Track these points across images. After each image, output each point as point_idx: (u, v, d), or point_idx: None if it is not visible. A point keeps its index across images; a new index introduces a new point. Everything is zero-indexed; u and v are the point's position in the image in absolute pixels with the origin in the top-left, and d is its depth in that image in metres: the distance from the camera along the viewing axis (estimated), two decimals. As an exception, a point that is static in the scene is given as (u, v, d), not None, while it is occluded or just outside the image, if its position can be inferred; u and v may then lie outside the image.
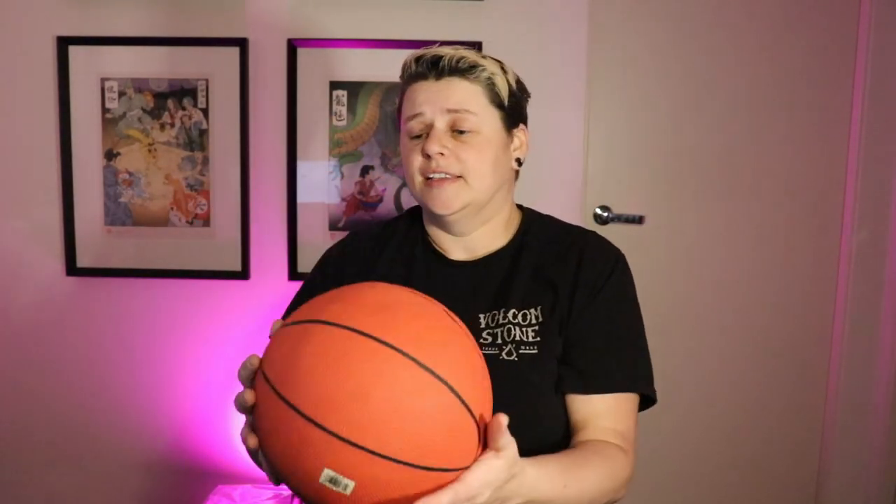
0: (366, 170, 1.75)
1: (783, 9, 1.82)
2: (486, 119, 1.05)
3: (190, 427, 1.82)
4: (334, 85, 1.74)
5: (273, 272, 1.78)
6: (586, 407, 1.02)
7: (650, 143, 1.85)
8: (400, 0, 1.71)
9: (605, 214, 1.85)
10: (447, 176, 1.04)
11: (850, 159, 1.85)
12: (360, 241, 1.18)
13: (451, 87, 1.04)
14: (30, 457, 1.84)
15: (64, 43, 1.72)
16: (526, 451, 0.95)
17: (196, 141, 1.75)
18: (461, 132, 1.04)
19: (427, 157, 1.04)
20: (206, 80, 1.73)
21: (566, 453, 0.97)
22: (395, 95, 1.72)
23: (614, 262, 1.08)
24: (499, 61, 1.09)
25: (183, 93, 1.74)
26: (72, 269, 1.78)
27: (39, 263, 1.79)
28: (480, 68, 1.05)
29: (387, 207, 1.76)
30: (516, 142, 1.11)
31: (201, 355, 1.80)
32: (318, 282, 1.16)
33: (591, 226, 1.85)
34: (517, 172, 1.14)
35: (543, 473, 0.87)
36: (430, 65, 1.05)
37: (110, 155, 1.76)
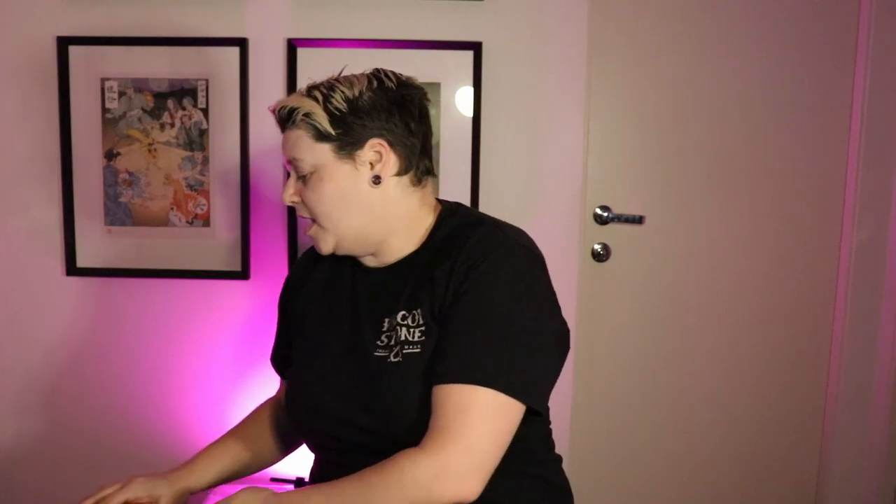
0: (366, 170, 1.75)
1: (783, 8, 1.82)
2: (316, 157, 1.06)
3: (190, 427, 1.82)
4: (334, 85, 1.73)
5: (273, 272, 1.78)
6: (433, 400, 0.99)
7: (650, 143, 1.85)
8: (400, 0, 1.71)
9: (605, 214, 1.85)
10: (308, 226, 1.12)
11: (851, 159, 1.85)
12: (303, 259, 1.27)
13: (287, 137, 1.09)
14: (29, 456, 1.84)
15: (64, 43, 1.72)
16: (406, 445, 0.99)
17: (196, 141, 1.75)
18: (303, 178, 1.08)
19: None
20: (206, 80, 1.73)
21: (339, 481, 0.98)
22: (395, 95, 1.73)
23: (486, 255, 1.01)
24: (328, 91, 1.06)
25: (183, 93, 1.74)
26: (72, 269, 1.78)
27: (39, 263, 1.79)
28: (297, 110, 1.05)
29: (387, 207, 1.76)
30: (365, 161, 1.06)
31: (201, 355, 1.80)
32: (280, 308, 1.29)
33: (591, 226, 1.85)
34: (422, 178, 1.10)
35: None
36: (277, 118, 1.10)
37: (110, 155, 1.76)
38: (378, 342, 1.07)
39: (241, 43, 1.72)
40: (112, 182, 1.76)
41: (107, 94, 1.74)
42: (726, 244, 1.87)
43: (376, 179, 1.06)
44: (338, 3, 1.73)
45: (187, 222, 1.77)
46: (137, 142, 1.75)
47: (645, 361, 1.90)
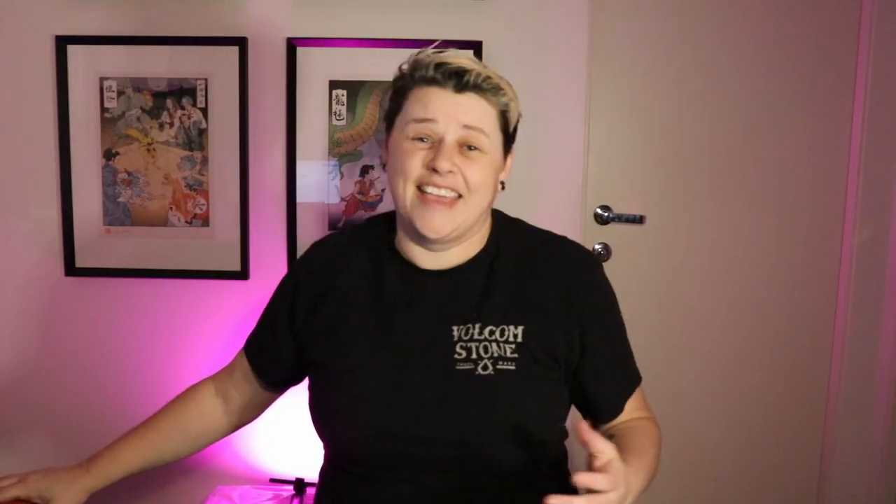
0: (365, 170, 1.75)
1: (784, 9, 1.82)
2: (494, 142, 1.05)
3: (189, 427, 1.82)
4: (334, 84, 1.73)
5: (273, 272, 1.77)
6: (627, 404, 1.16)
7: (650, 143, 1.85)
8: (400, 0, 1.71)
9: (605, 214, 1.85)
10: (447, 197, 1.02)
11: (852, 159, 1.85)
12: (326, 251, 1.18)
13: (469, 102, 1.03)
14: (29, 456, 1.84)
15: (62, 42, 1.72)
16: (501, 462, 0.97)
17: (195, 140, 1.74)
18: (470, 148, 1.03)
19: (432, 169, 1.01)
20: (206, 80, 1.73)
21: (626, 444, 1.03)
22: (394, 95, 1.73)
23: (599, 275, 1.12)
24: (510, 85, 1.09)
25: (182, 92, 1.73)
26: (71, 269, 1.77)
27: (38, 263, 1.79)
28: (502, 92, 1.05)
29: (386, 207, 1.76)
30: (506, 166, 1.11)
31: (201, 355, 1.80)
32: (278, 304, 1.19)
33: (592, 226, 1.85)
34: None
35: (633, 471, 0.92)
36: (451, 74, 1.02)
37: (109, 154, 1.75)
38: (455, 355, 1.03)
39: (241, 42, 1.71)
40: (111, 182, 1.76)
41: (105, 94, 1.74)
42: (727, 244, 1.87)
43: (503, 186, 1.12)
44: (338, 3, 1.72)
45: (186, 222, 1.76)
46: (136, 141, 1.75)
47: (645, 361, 1.89)
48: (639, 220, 1.84)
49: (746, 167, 1.85)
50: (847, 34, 1.83)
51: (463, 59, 1.03)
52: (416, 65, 1.05)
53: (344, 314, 1.10)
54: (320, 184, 1.76)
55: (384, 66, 1.71)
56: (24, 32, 1.74)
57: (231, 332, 1.79)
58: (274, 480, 1.73)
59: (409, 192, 1.03)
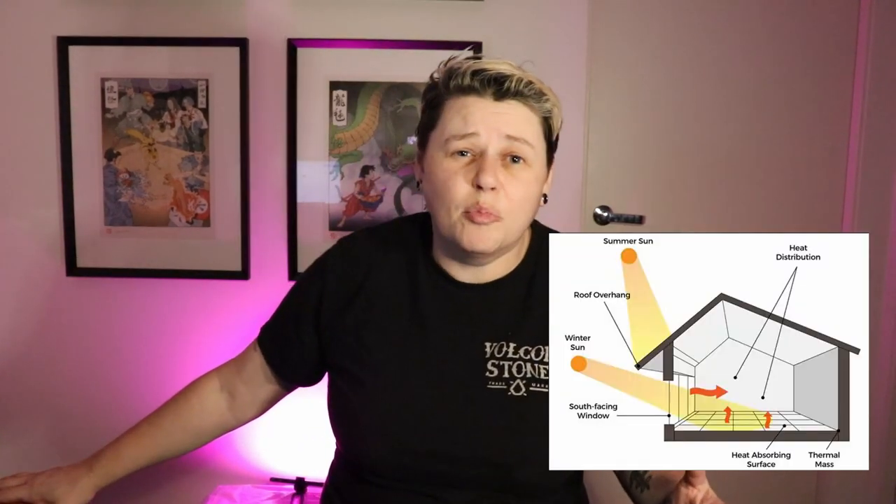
0: (366, 170, 1.75)
1: (783, 8, 1.82)
2: (538, 151, 0.99)
3: (190, 427, 1.82)
4: (334, 85, 1.73)
5: (273, 272, 1.78)
6: None
7: (650, 143, 1.85)
8: (400, 0, 1.71)
9: (605, 214, 1.85)
10: (492, 212, 0.95)
11: (851, 159, 1.85)
12: (355, 249, 1.11)
13: (511, 111, 0.96)
14: (30, 455, 1.84)
15: (64, 43, 1.72)
16: (527, 484, 0.95)
17: (196, 141, 1.75)
18: (514, 160, 0.97)
19: (477, 187, 0.94)
20: (206, 80, 1.73)
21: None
22: (396, 95, 1.73)
23: None
24: (552, 90, 1.03)
25: (183, 93, 1.74)
26: (72, 269, 1.78)
27: (39, 263, 1.79)
28: (545, 98, 0.99)
29: (387, 207, 1.76)
30: (549, 178, 1.06)
31: (201, 355, 1.80)
32: (302, 299, 1.12)
33: (591, 226, 1.85)
34: None
35: None
36: (490, 81, 0.95)
37: (110, 155, 1.76)
38: (487, 373, 0.99)
39: (242, 43, 1.72)
40: (112, 182, 1.76)
41: (107, 94, 1.74)
42: (726, 244, 1.87)
43: (545, 199, 1.06)
44: (338, 3, 1.72)
45: (187, 222, 1.77)
46: (137, 142, 1.75)
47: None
48: (638, 220, 1.84)
49: (746, 167, 1.86)
50: (846, 34, 1.83)
51: (501, 64, 0.97)
52: (450, 73, 0.98)
53: (374, 319, 1.04)
54: (321, 184, 1.76)
55: (384, 66, 1.71)
56: (26, 33, 1.74)
57: (232, 331, 1.79)
58: (274, 480, 1.74)
59: (454, 214, 0.96)
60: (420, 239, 1.08)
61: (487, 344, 1.01)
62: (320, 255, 1.14)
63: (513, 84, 0.95)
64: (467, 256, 1.00)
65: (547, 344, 0.96)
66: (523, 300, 1.03)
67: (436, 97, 1.00)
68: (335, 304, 1.07)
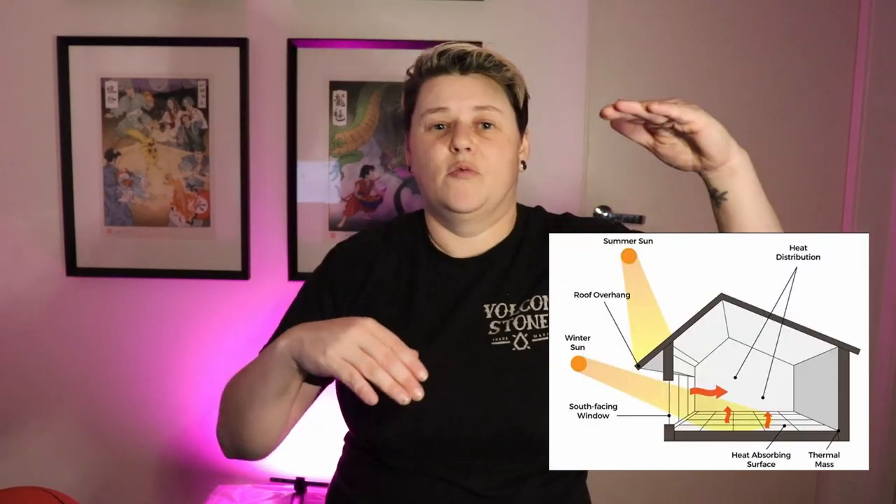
0: (366, 170, 1.75)
1: (783, 9, 1.82)
2: (507, 117, 1.08)
3: (190, 427, 1.82)
4: (334, 85, 1.74)
5: (273, 272, 1.78)
6: None
7: (650, 143, 1.85)
8: (400, 0, 1.71)
9: (605, 214, 1.85)
10: (469, 171, 1.04)
11: (851, 159, 1.85)
12: (368, 236, 1.17)
13: (476, 82, 1.06)
14: (30, 455, 1.84)
15: (64, 43, 1.72)
16: (545, 438, 0.95)
17: (196, 141, 1.75)
18: (486, 126, 1.05)
19: (454, 150, 1.03)
20: (207, 80, 1.73)
21: None
22: (395, 95, 1.72)
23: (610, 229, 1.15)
24: (513, 63, 1.11)
25: (183, 93, 1.74)
26: (72, 269, 1.78)
27: (39, 263, 1.79)
28: (505, 68, 1.08)
29: (387, 207, 1.76)
30: (524, 144, 1.13)
31: (201, 355, 1.80)
32: (319, 288, 1.12)
33: (591, 226, 1.85)
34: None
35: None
36: (455, 59, 1.06)
37: (110, 155, 1.76)
38: (490, 331, 1.03)
39: (242, 43, 1.72)
40: (112, 182, 1.76)
41: (107, 94, 1.74)
42: (726, 244, 1.87)
43: (524, 165, 1.14)
44: (338, 3, 1.73)
45: (187, 222, 1.77)
46: (137, 142, 1.75)
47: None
48: (638, 220, 1.84)
49: (746, 167, 1.86)
50: (846, 34, 1.83)
51: (463, 44, 1.08)
52: (420, 61, 1.09)
53: (381, 300, 1.09)
54: (320, 184, 1.76)
55: (384, 66, 1.72)
56: (26, 33, 1.74)
57: (232, 331, 1.79)
58: (274, 480, 1.74)
59: (440, 177, 1.05)
60: (420, 227, 1.15)
61: (486, 306, 1.06)
62: (329, 251, 1.17)
63: (474, 58, 1.06)
64: (458, 222, 1.07)
65: (542, 293, 1.03)
66: (512, 261, 1.09)
67: (412, 84, 1.10)
68: (348, 288, 1.12)
